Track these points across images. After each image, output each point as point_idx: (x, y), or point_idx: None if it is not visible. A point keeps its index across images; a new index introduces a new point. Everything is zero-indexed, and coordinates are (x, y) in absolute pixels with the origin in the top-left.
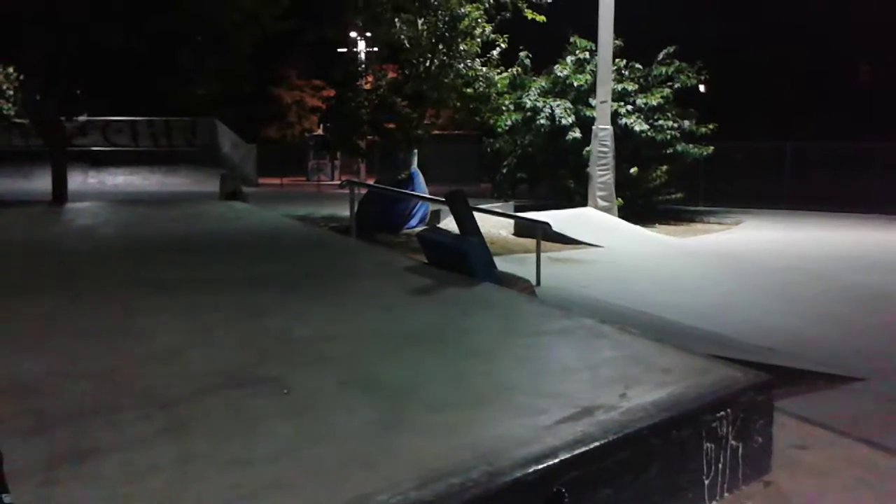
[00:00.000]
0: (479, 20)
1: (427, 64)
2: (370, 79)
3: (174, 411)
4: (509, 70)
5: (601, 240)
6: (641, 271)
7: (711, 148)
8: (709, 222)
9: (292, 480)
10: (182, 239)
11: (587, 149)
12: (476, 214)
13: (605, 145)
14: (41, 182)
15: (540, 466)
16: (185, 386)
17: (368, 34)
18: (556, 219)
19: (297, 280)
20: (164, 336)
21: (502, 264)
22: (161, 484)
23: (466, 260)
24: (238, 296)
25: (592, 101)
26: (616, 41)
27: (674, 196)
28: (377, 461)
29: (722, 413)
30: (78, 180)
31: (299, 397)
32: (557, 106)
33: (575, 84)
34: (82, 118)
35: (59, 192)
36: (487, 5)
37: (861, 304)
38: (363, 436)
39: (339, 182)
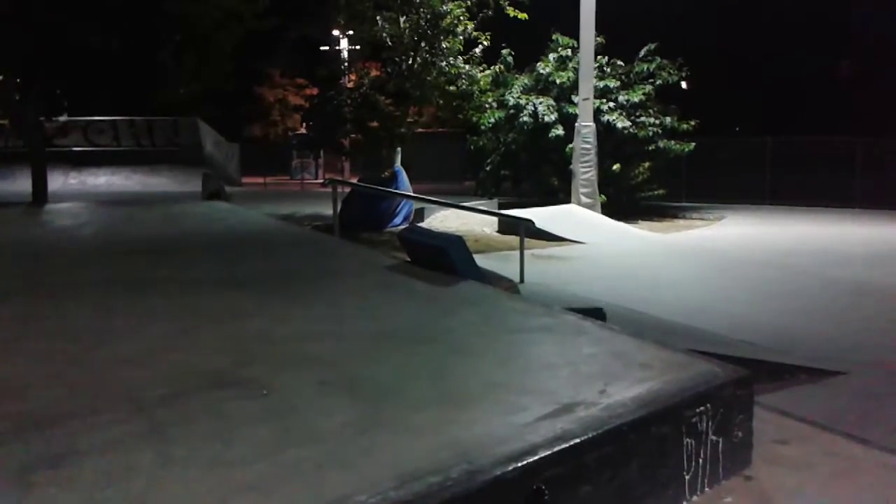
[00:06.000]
0: (461, 18)
1: (409, 62)
2: (353, 77)
3: (153, 414)
4: (492, 67)
5: (584, 236)
6: (624, 267)
7: (693, 144)
8: (691, 218)
9: (271, 482)
10: (163, 239)
11: (570, 146)
12: (460, 212)
13: (587, 142)
14: (21, 183)
15: (520, 464)
16: (163, 388)
17: (351, 32)
18: (540, 216)
19: (278, 280)
20: (142, 337)
21: (486, 262)
22: (139, 487)
23: (448, 258)
24: (218, 296)
25: (575, 99)
26: (598, 38)
27: (656, 192)
28: (356, 462)
29: (702, 408)
30: (59, 181)
31: (279, 398)
32: (540, 103)
33: (557, 81)
34: (62, 118)
35: (39, 192)
36: (469, 3)
37: (841, 298)
38: (343, 436)
39: (322, 181)
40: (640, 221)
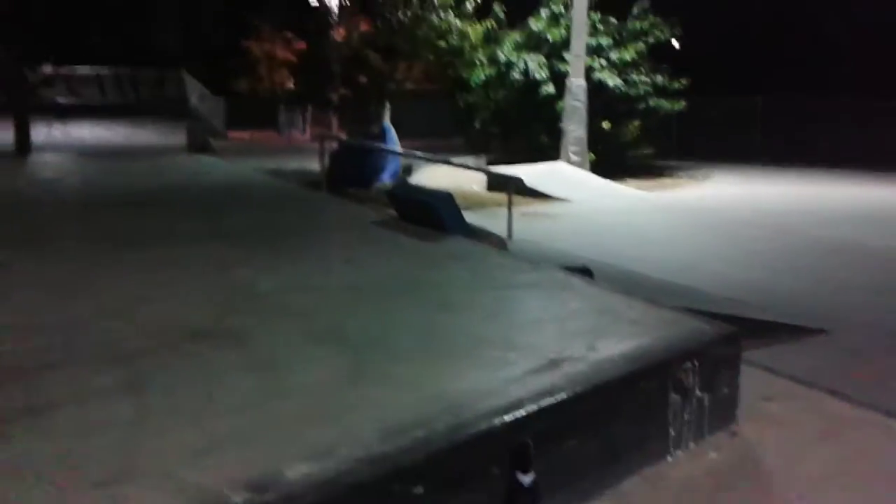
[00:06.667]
0: None
1: (400, 16)
2: (342, 31)
3: (132, 365)
4: (483, 23)
5: (573, 194)
6: (612, 225)
7: (683, 102)
8: (680, 177)
9: (252, 434)
10: (147, 192)
11: (560, 103)
12: (449, 169)
13: (578, 100)
14: (3, 134)
15: (505, 418)
16: (144, 340)
17: None
18: (529, 173)
19: (264, 234)
20: (125, 290)
21: (474, 218)
22: (117, 439)
23: (436, 214)
24: (204, 249)
25: (566, 56)
26: None
27: (646, 151)
28: (340, 414)
29: (689, 365)
30: (43, 132)
31: (263, 350)
32: (531, 60)
33: (549, 38)
34: (47, 68)
35: (22, 142)
36: None
37: (826, 257)
38: (326, 389)
39: (310, 136)
40: (628, 180)
